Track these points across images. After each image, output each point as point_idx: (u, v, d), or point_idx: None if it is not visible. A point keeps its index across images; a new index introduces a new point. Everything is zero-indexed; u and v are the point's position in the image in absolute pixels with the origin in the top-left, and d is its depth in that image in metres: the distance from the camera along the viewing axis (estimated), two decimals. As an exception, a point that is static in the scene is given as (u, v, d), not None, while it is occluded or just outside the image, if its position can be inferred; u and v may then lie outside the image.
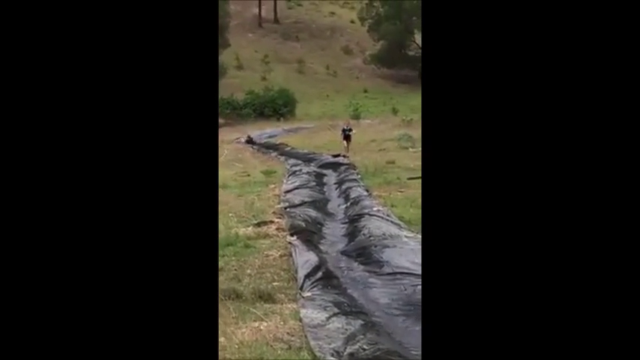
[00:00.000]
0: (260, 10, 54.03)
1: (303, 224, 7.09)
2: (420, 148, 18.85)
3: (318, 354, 3.52)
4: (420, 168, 13.76)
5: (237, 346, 3.61)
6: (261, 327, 3.93)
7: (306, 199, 8.91)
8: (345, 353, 3.46)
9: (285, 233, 6.72)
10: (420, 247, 5.79)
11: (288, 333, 3.86)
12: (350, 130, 18.36)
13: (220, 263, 5.32)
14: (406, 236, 6.27)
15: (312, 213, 7.90)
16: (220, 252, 5.60)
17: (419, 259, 5.36)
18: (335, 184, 11.42)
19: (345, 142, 18.06)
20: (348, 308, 4.30)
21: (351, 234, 6.85)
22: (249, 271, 5.34)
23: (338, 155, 15.87)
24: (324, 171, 13.31)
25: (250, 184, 11.73)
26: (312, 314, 4.13)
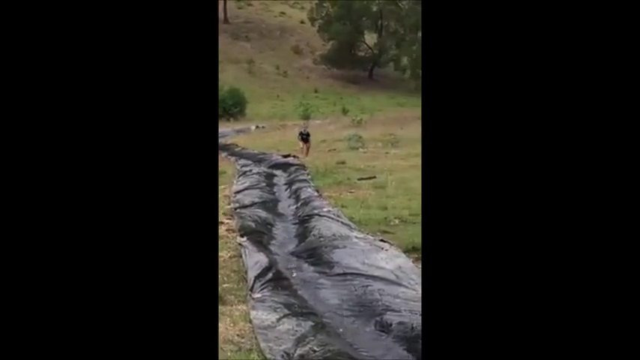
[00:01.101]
0: (209, 9, 53.51)
1: (254, 225, 7.06)
2: (369, 149, 18.98)
3: (268, 356, 3.51)
4: (369, 168, 13.85)
5: (186, 350, 3.57)
6: (211, 329, 3.89)
7: (257, 200, 8.87)
8: (296, 355, 3.46)
9: (235, 234, 6.68)
10: (369, 247, 5.83)
11: (238, 335, 3.84)
12: (308, 134, 18.43)
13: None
14: (356, 237, 6.30)
15: (263, 214, 7.87)
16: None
17: (369, 260, 5.40)
18: (285, 184, 11.40)
19: (303, 145, 18.10)
20: (299, 309, 4.30)
21: (302, 235, 6.85)
22: (198, 273, 5.28)
23: (288, 156, 15.87)
24: (275, 171, 13.28)
25: (200, 185, 11.60)
26: (263, 316, 4.11)
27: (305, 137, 18.25)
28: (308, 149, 18.05)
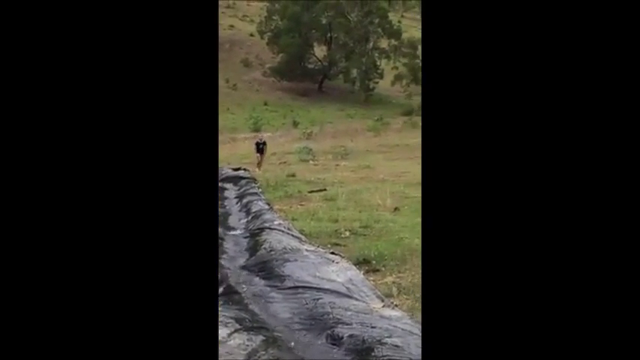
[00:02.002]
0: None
1: (204, 239, 7.00)
2: (320, 161, 19.04)
3: (219, 372, 3.48)
4: (319, 181, 13.91)
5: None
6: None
7: (207, 214, 8.80)
8: (247, 370, 3.44)
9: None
10: (320, 260, 5.84)
11: (188, 351, 3.80)
12: (264, 143, 18.36)
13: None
14: (307, 250, 6.31)
15: (213, 228, 7.81)
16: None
17: (320, 273, 5.41)
18: (236, 197, 11.35)
19: (258, 155, 18.02)
20: (250, 324, 4.28)
21: (252, 248, 6.82)
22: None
23: (239, 169, 15.83)
24: (225, 185, 13.21)
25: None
26: (213, 331, 4.08)
27: (261, 147, 18.13)
28: (262, 161, 17.95)
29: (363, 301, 4.65)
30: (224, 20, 59.77)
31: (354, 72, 51.23)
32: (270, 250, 6.36)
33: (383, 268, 6.41)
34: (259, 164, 17.62)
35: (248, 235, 7.67)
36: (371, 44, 52.18)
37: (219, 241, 7.35)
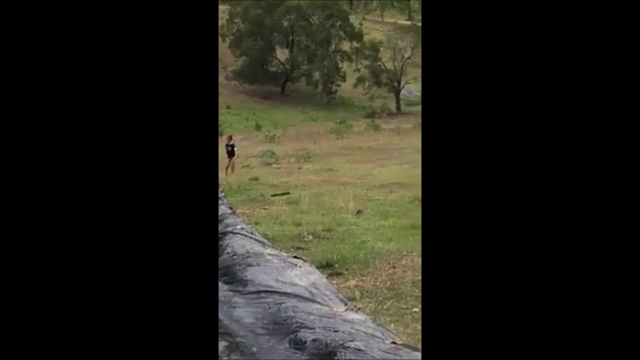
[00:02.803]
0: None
1: (166, 245, 6.95)
2: (283, 164, 19.02)
3: (181, 379, 3.46)
4: (282, 184, 13.89)
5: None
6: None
7: (169, 219, 8.73)
8: (210, 376, 3.43)
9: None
10: (283, 264, 5.84)
11: (150, 359, 3.78)
12: (233, 145, 17.99)
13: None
14: (270, 254, 6.31)
15: (175, 233, 7.76)
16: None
17: (282, 277, 5.40)
18: (198, 202, 11.26)
19: (228, 158, 17.60)
20: (213, 330, 4.25)
21: (215, 253, 6.78)
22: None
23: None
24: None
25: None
26: (176, 338, 4.05)
27: (230, 150, 17.70)
28: (233, 166, 17.50)
29: (326, 305, 4.66)
30: (185, 23, 59.34)
31: (317, 75, 51.33)
32: (233, 255, 6.33)
33: (346, 272, 6.44)
34: (229, 168, 17.22)
35: (211, 239, 7.62)
36: (333, 47, 52.34)
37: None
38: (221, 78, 51.22)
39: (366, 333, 3.97)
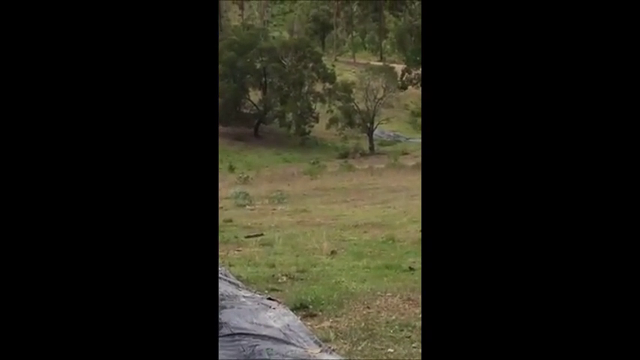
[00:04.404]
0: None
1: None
2: (256, 206, 18.98)
3: None
4: (256, 226, 13.86)
5: None
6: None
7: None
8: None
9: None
10: (257, 306, 5.83)
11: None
12: None
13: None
14: (244, 296, 6.29)
15: (148, 276, 7.71)
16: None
17: (257, 319, 5.39)
18: (171, 244, 11.20)
19: None
20: (186, 374, 4.22)
21: (189, 296, 6.75)
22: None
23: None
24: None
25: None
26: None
27: None
28: None
29: (301, 347, 4.66)
30: (158, 66, 59.50)
31: (290, 116, 51.56)
32: (207, 298, 6.31)
33: (320, 313, 6.44)
34: None
35: (184, 282, 7.58)
36: (306, 88, 52.71)
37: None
38: (194, 120, 51.22)
39: (340, 374, 3.96)
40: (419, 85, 61.18)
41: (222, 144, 48.79)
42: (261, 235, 12.29)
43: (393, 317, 6.36)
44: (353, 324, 6.13)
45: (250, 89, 53.27)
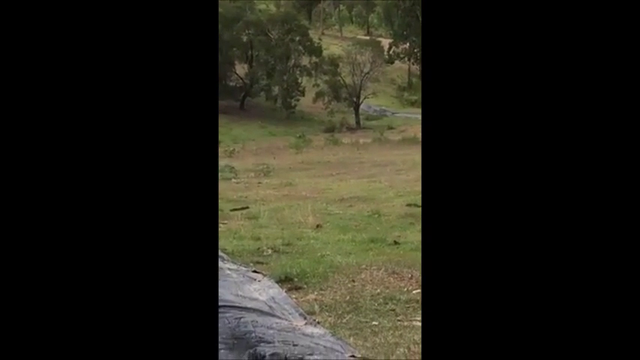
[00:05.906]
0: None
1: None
2: (242, 179, 18.96)
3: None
4: (242, 199, 13.85)
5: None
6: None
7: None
8: (168, 392, 3.40)
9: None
10: (242, 279, 5.82)
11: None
12: None
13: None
14: (229, 269, 6.27)
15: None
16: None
17: (242, 292, 5.38)
18: (156, 217, 11.17)
19: None
20: (171, 346, 4.22)
21: (174, 269, 6.74)
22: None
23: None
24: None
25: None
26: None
27: None
28: None
29: (286, 319, 4.66)
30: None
31: (276, 89, 51.43)
32: (192, 270, 6.30)
33: (305, 286, 6.46)
34: None
35: (169, 255, 7.56)
36: (292, 62, 52.52)
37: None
38: (180, 92, 50.92)
39: (325, 347, 3.97)
40: (405, 59, 61.13)
41: (208, 117, 48.59)
42: (247, 208, 12.29)
43: (378, 290, 6.39)
44: (338, 297, 6.16)
45: (236, 62, 53.04)
